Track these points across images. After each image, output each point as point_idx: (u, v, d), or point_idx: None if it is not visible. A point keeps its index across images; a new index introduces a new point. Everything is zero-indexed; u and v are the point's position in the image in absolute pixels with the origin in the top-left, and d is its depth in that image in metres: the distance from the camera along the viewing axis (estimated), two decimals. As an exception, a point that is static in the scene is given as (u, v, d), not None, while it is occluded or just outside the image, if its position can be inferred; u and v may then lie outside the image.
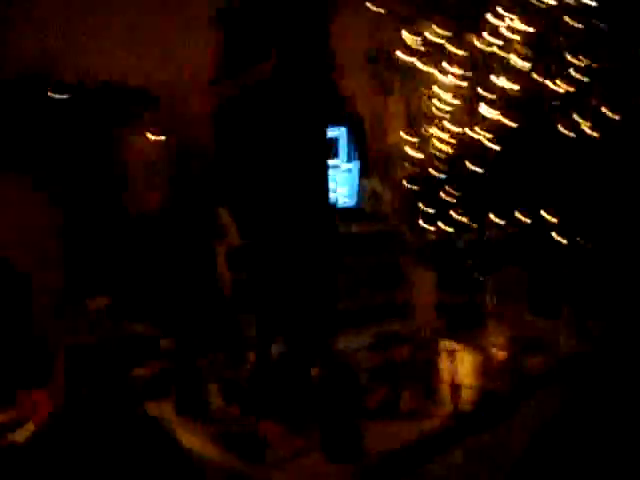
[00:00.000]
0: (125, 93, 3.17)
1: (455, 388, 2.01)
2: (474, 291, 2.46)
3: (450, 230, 3.66)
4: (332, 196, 3.64)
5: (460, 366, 2.11)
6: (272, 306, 2.28)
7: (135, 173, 3.18)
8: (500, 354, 2.23)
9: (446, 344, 2.28)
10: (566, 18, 3.69)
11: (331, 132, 4.16)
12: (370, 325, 2.62)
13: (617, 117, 3.82)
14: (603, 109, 3.80)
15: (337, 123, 4.04)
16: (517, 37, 3.71)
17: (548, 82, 3.77)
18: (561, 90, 3.72)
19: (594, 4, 3.62)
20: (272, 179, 2.29)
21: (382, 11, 3.84)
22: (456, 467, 1.81)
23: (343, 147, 4.23)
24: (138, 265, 2.81)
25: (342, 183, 4.21)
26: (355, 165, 4.17)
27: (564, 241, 3.59)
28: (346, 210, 4.06)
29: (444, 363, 2.20)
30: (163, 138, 3.26)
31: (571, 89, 3.73)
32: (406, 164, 4.03)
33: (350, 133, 4.11)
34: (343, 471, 1.63)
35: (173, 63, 3.29)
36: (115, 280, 2.73)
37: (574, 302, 2.40)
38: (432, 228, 3.71)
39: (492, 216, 3.51)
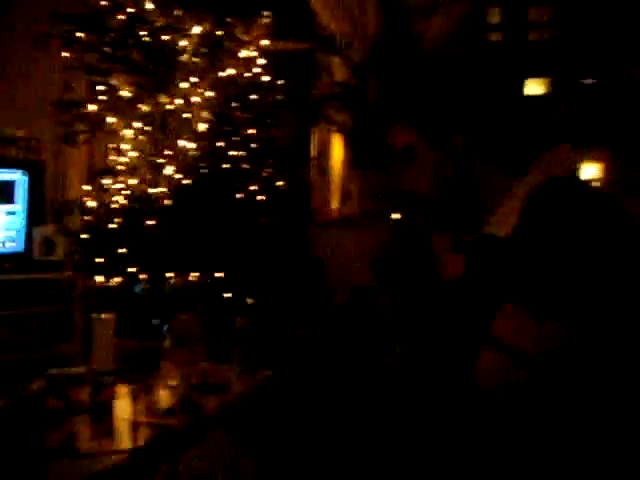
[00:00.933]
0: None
1: (133, 426, 2.09)
2: (151, 336, 2.56)
3: (120, 280, 3.73)
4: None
5: (137, 406, 2.20)
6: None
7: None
8: (175, 394, 2.35)
9: (124, 385, 2.36)
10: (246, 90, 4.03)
11: (7, 175, 4.07)
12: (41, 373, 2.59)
13: (282, 183, 4.24)
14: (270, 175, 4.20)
15: (15, 166, 3.97)
16: (199, 100, 3.96)
17: (223, 145, 4.07)
18: (235, 153, 4.04)
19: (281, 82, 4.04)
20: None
21: (75, 60, 3.88)
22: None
23: (19, 192, 4.14)
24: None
25: (9, 227, 4.11)
26: (25, 210, 4.12)
27: (229, 295, 3.86)
28: (10, 256, 3.99)
29: (122, 403, 2.28)
30: None
31: (243, 154, 4.07)
32: (83, 214, 4.04)
33: (29, 178, 4.06)
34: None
35: None
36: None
37: (245, 349, 2.61)
38: (103, 278, 3.75)
39: (167, 268, 3.66)
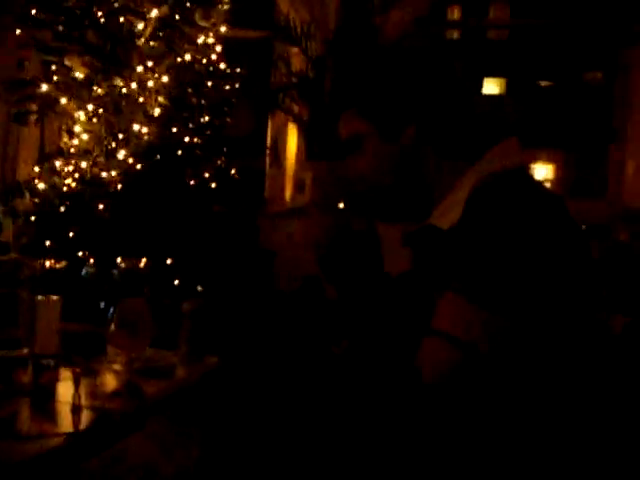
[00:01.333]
0: None
1: (74, 410, 2.07)
2: (97, 320, 2.54)
3: (67, 263, 3.69)
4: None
5: (80, 389, 2.17)
6: None
7: None
8: (118, 379, 2.34)
9: (68, 369, 2.33)
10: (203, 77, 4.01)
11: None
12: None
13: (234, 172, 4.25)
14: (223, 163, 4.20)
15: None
16: (154, 85, 3.93)
17: (177, 131, 4.05)
18: (189, 140, 4.02)
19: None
20: None
21: (28, 38, 3.82)
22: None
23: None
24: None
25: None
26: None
27: (177, 281, 3.86)
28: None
29: (64, 386, 2.26)
30: None
31: (198, 141, 4.05)
32: (32, 196, 3.98)
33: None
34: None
35: None
36: None
37: (192, 335, 2.60)
38: (51, 261, 3.70)
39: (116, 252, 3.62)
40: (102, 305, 2.93)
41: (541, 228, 1.46)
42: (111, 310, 2.45)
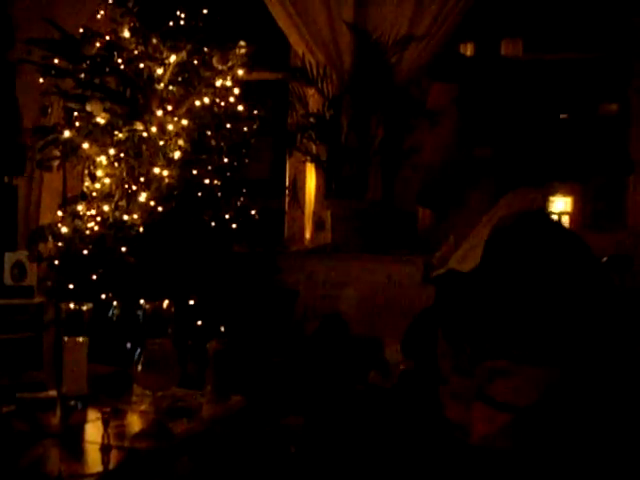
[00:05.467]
0: None
1: (103, 450, 2.08)
2: (123, 361, 2.56)
3: (92, 306, 3.72)
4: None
5: (108, 430, 2.19)
6: None
7: None
8: (146, 418, 2.35)
9: (95, 410, 2.35)
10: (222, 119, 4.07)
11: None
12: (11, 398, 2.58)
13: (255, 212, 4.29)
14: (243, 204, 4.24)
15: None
16: (174, 128, 3.99)
17: (197, 173, 4.10)
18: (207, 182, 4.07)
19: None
20: None
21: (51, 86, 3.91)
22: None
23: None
24: None
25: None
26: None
27: (201, 322, 3.88)
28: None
29: (93, 427, 2.27)
30: None
31: (217, 182, 4.10)
32: (55, 240, 4.03)
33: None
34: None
35: None
36: None
37: (217, 375, 2.62)
38: (75, 304, 3.73)
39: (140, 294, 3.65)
40: (128, 346, 2.95)
41: (565, 268, 1.47)
42: (137, 351, 2.47)
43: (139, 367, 2.39)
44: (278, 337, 4.18)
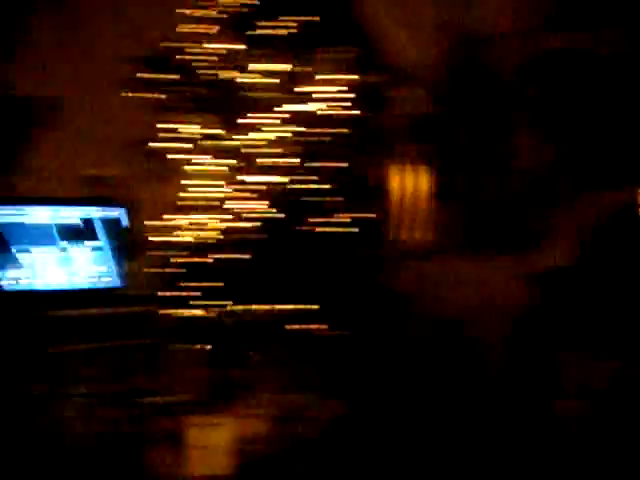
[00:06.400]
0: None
1: (218, 454, 2.12)
2: (239, 366, 2.60)
3: (205, 312, 3.79)
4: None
5: (223, 434, 2.22)
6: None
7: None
8: (261, 423, 2.37)
9: (210, 415, 2.39)
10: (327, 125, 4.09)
11: (108, 212, 4.19)
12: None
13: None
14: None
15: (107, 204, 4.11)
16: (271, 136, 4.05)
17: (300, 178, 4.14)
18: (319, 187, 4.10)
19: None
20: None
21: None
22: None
23: (100, 228, 4.23)
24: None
25: (100, 262, 4.21)
26: (112, 244, 4.21)
27: (323, 327, 3.89)
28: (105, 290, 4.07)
29: (207, 432, 2.31)
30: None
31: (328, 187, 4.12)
32: (172, 249, 4.12)
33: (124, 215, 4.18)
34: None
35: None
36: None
37: (332, 379, 2.62)
38: (187, 310, 3.81)
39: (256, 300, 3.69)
40: (244, 352, 2.98)
41: None
42: (253, 356, 2.50)
43: (254, 372, 2.42)
44: (392, 340, 4.14)
